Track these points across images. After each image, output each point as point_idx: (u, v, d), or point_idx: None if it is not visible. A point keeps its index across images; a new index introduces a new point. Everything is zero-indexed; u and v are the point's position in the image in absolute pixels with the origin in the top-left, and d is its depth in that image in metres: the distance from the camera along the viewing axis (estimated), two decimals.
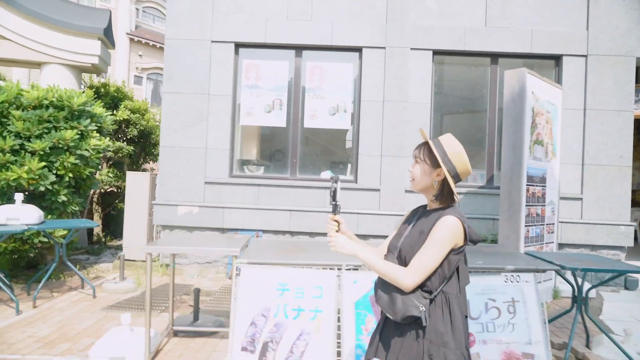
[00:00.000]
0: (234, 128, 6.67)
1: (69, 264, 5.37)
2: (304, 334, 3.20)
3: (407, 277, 1.71)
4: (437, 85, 6.68)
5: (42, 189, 5.43)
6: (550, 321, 3.79)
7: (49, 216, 5.66)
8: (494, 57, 6.61)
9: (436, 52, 6.55)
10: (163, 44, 23.51)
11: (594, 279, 6.12)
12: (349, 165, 6.73)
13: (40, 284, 5.00)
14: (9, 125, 5.46)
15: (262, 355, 3.09)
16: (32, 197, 5.57)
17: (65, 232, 5.63)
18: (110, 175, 8.31)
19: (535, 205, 5.31)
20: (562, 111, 5.96)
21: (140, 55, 22.81)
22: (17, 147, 5.42)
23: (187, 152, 6.51)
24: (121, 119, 8.27)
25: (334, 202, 1.90)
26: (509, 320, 3.37)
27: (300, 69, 6.63)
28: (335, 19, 6.51)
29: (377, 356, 1.90)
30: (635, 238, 7.27)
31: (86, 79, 8.97)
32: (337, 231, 1.90)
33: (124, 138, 8.79)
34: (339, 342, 3.16)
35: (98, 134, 6.14)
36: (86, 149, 5.77)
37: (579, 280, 3.88)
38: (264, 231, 6.47)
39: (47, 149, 5.47)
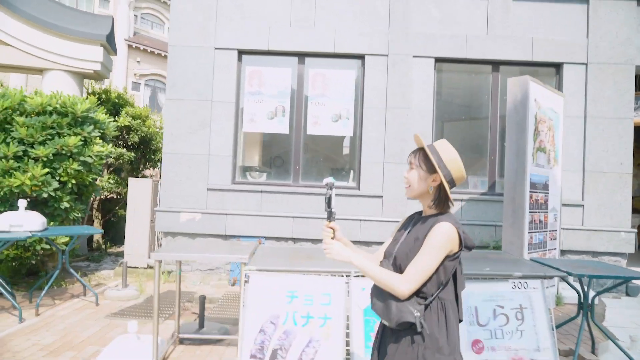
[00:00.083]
0: (237, 135, 6.68)
1: (72, 271, 5.33)
2: (313, 341, 3.19)
3: (403, 284, 1.71)
4: (439, 92, 6.72)
5: (45, 195, 5.42)
6: (556, 327, 3.80)
7: (52, 223, 5.63)
8: (495, 64, 6.67)
9: (438, 60, 6.60)
10: (161, 51, 23.40)
11: (596, 286, 6.14)
12: (352, 172, 6.74)
13: (43, 292, 4.97)
14: (12, 131, 5.45)
15: None
16: (35, 204, 5.54)
17: (67, 239, 5.60)
18: (111, 181, 8.28)
19: (538, 212, 5.33)
20: (563, 118, 6.01)
21: (138, 62, 22.82)
22: (21, 153, 5.41)
23: (190, 159, 6.51)
24: (122, 125, 8.26)
25: (329, 209, 1.90)
26: (517, 326, 3.38)
27: (303, 75, 6.66)
28: (338, 27, 6.56)
29: None
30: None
31: (87, 85, 8.95)
32: (332, 238, 1.90)
33: (125, 144, 8.78)
34: (348, 349, 3.15)
35: (101, 141, 6.13)
36: (89, 156, 5.76)
37: (585, 287, 3.89)
38: (267, 238, 6.46)
39: (51, 155, 5.46)
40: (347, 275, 3.32)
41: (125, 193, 8.65)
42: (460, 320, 1.84)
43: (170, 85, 6.58)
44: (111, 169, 8.79)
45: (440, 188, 1.83)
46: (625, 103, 6.45)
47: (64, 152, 5.54)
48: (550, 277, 3.57)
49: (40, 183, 5.33)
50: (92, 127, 5.87)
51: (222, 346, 4.10)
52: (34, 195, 5.41)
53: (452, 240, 1.74)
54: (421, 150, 1.89)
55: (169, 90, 6.59)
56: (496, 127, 6.62)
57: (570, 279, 3.89)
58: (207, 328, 4.31)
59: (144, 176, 9.60)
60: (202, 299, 4.39)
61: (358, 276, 3.33)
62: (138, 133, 8.64)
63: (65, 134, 5.65)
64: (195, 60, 6.56)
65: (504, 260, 4.06)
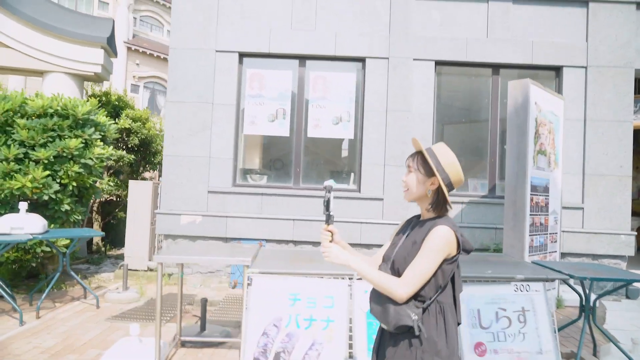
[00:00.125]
0: (238, 137, 6.68)
1: (72, 273, 5.32)
2: (316, 343, 3.19)
3: (401, 287, 1.71)
4: (440, 95, 6.74)
5: (45, 197, 5.41)
6: (557, 330, 3.80)
7: (52, 225, 5.62)
8: (495, 67, 6.70)
9: (438, 63, 6.62)
10: (160, 53, 23.40)
11: (596, 289, 6.14)
12: (352, 174, 6.75)
13: (44, 294, 4.96)
14: (13, 133, 5.44)
15: None
16: (35, 206, 5.53)
17: (68, 241, 5.59)
18: (111, 183, 8.28)
19: (539, 215, 5.35)
20: (563, 121, 6.03)
21: (137, 64, 22.81)
22: (22, 155, 5.40)
23: (190, 161, 6.51)
24: (122, 127, 8.26)
25: (327, 212, 1.90)
26: (519, 329, 3.38)
27: (304, 78, 6.68)
28: (339, 29, 6.58)
29: None
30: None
31: (87, 87, 8.95)
32: (330, 241, 1.90)
33: (124, 147, 8.77)
34: (350, 352, 3.15)
35: (102, 143, 6.13)
36: (90, 158, 5.75)
37: (587, 290, 3.90)
38: (267, 240, 6.46)
39: (51, 157, 5.45)
40: (349, 278, 3.32)
41: (125, 195, 8.65)
42: (459, 323, 1.84)
43: (171, 88, 6.58)
44: (111, 171, 8.79)
45: (438, 191, 1.83)
46: (625, 106, 6.48)
47: (64, 154, 5.54)
48: (552, 280, 3.58)
49: (41, 185, 5.32)
50: (93, 129, 5.87)
51: (224, 349, 4.10)
52: (35, 197, 5.40)
53: (450, 244, 1.74)
54: (419, 154, 1.89)
55: (169, 93, 6.59)
56: (496, 129, 6.64)
57: (572, 281, 3.90)
58: (208, 331, 4.31)
59: (143, 178, 9.59)
60: (204, 302, 4.38)
61: (360, 279, 3.33)
62: (138, 135, 8.63)
63: (66, 137, 5.65)
64: (196, 62, 6.56)
65: (506, 263, 4.07)
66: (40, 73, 7.14)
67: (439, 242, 1.72)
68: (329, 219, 1.90)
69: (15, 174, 5.28)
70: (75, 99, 5.93)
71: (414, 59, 6.54)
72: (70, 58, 6.95)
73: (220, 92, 6.56)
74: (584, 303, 3.91)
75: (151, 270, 6.75)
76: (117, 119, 8.37)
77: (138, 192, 6.88)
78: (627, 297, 6.40)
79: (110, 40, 7.34)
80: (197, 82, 6.55)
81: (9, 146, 5.38)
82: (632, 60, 6.50)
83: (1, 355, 3.80)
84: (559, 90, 6.59)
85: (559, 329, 4.03)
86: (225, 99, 6.56)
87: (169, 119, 6.58)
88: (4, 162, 5.29)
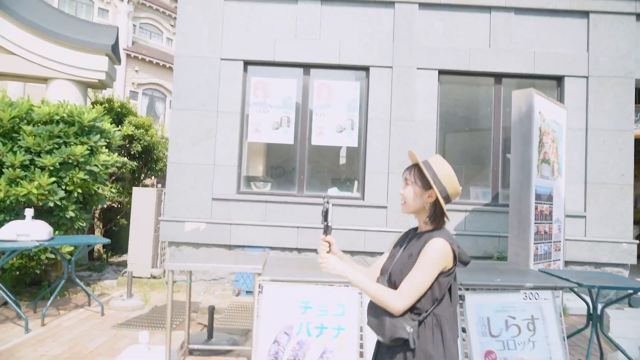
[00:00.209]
0: (242, 145, 6.70)
1: (77, 280, 5.30)
2: (327, 351, 3.19)
3: (397, 300, 1.71)
4: (443, 104, 6.79)
5: (51, 204, 5.40)
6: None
7: (57, 232, 5.60)
8: (498, 77, 6.77)
9: (442, 72, 6.68)
10: (159, 60, 23.45)
11: (599, 297, 6.16)
12: (356, 182, 6.77)
13: (49, 301, 4.93)
14: (19, 140, 5.44)
15: None
16: (40, 213, 5.52)
17: (72, 248, 5.57)
18: (113, 190, 8.26)
19: (543, 223, 5.38)
20: (566, 130, 6.09)
21: (136, 71, 22.86)
22: (27, 162, 5.40)
23: (195, 169, 6.52)
24: (125, 134, 8.26)
25: (325, 223, 1.90)
26: (529, 337, 3.40)
27: (308, 86, 6.72)
28: (343, 39, 6.63)
29: None
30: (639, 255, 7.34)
31: (90, 94, 8.96)
32: (328, 252, 1.91)
33: (127, 153, 8.77)
34: None
35: (107, 150, 6.14)
36: (95, 165, 5.76)
37: (594, 298, 3.93)
38: (272, 248, 6.46)
39: (57, 164, 5.45)
40: None
41: (127, 202, 8.64)
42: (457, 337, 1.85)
43: (176, 95, 6.61)
44: (113, 177, 8.78)
45: (436, 204, 1.84)
46: (626, 116, 6.55)
47: (70, 161, 5.54)
48: (562, 288, 3.60)
49: (46, 192, 5.32)
50: (98, 136, 5.88)
51: (232, 357, 4.08)
52: (40, 204, 5.39)
53: (446, 257, 1.75)
54: (416, 167, 1.91)
55: (174, 100, 6.62)
56: (499, 138, 6.69)
57: (579, 290, 3.92)
58: (216, 339, 4.30)
59: (144, 185, 9.58)
60: (211, 310, 4.37)
61: None
62: (141, 142, 8.64)
63: (72, 143, 5.65)
64: (200, 70, 6.60)
65: (513, 271, 4.09)
66: (44, 80, 7.15)
67: (435, 255, 1.73)
68: (327, 230, 1.91)
69: (21, 181, 5.28)
70: (81, 106, 5.94)
71: (418, 68, 6.60)
72: (75, 65, 6.97)
73: (225, 99, 6.59)
74: (591, 311, 3.93)
75: (154, 277, 6.73)
76: (120, 126, 8.38)
77: (142, 199, 6.87)
78: (630, 305, 6.42)
79: (115, 48, 7.37)
80: (202, 89, 6.58)
81: (15, 153, 5.38)
82: (632, 70, 6.59)
83: None
84: (560, 99, 6.66)
85: (568, 337, 4.05)
86: (229, 106, 6.59)
87: (173, 127, 6.59)
88: (10, 169, 5.28)
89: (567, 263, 6.36)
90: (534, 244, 5.16)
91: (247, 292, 6.33)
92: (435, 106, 6.61)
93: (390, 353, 1.80)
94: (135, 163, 8.60)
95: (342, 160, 7.08)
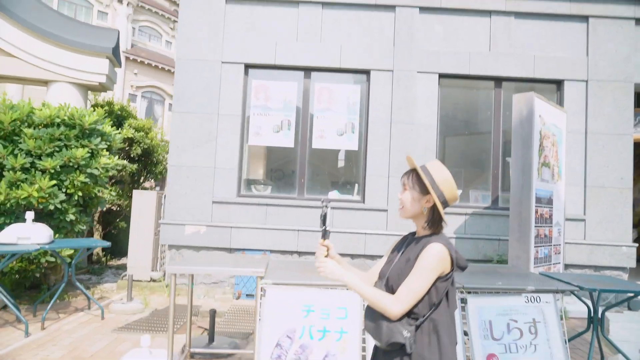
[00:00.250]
0: (242, 148, 6.71)
1: (78, 284, 5.29)
2: (329, 355, 3.19)
3: (394, 304, 1.72)
4: (443, 107, 6.81)
5: (51, 207, 5.39)
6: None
7: (57, 235, 5.59)
8: (498, 80, 6.79)
9: (442, 76, 6.71)
10: (158, 63, 23.48)
11: (599, 300, 6.18)
12: (356, 185, 6.78)
13: (50, 305, 4.92)
14: (20, 143, 5.43)
15: None
16: (40, 216, 5.50)
17: (72, 251, 5.55)
18: (113, 193, 8.25)
19: (544, 226, 5.39)
20: (566, 134, 6.11)
21: (135, 74, 22.87)
22: (28, 165, 5.39)
23: (195, 172, 6.52)
24: (125, 137, 8.26)
25: (323, 227, 1.90)
26: (531, 340, 3.40)
27: (309, 90, 6.74)
28: (344, 42, 6.66)
29: None
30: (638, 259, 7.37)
31: (90, 97, 8.96)
32: (326, 256, 1.91)
33: (127, 156, 8.77)
34: None
35: (107, 153, 6.14)
36: (96, 168, 5.75)
37: (595, 302, 3.93)
38: (272, 251, 6.45)
39: (58, 167, 5.44)
40: None
41: (126, 205, 8.62)
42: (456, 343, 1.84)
43: (177, 98, 6.61)
44: (112, 180, 8.77)
45: (433, 209, 1.84)
46: (625, 120, 6.58)
47: (71, 164, 5.53)
48: (563, 292, 3.61)
49: (47, 195, 5.30)
50: (99, 139, 5.88)
51: None
52: (40, 207, 5.38)
53: (444, 262, 1.75)
54: (414, 172, 1.91)
55: (175, 103, 6.62)
56: (498, 141, 6.72)
57: (579, 293, 3.92)
58: (217, 342, 4.29)
59: (143, 188, 9.57)
60: (213, 313, 4.37)
61: None
62: (141, 145, 8.63)
63: (73, 146, 5.65)
64: (201, 73, 6.61)
65: (514, 275, 4.10)
66: (44, 82, 7.14)
67: (432, 260, 1.73)
68: (325, 234, 1.91)
69: (21, 184, 5.27)
70: (82, 109, 5.94)
71: (418, 72, 6.62)
72: (76, 68, 6.97)
73: (226, 102, 6.60)
74: (592, 315, 3.93)
75: (154, 280, 6.71)
76: (120, 129, 8.38)
77: (142, 201, 6.86)
78: (629, 308, 6.43)
79: (115, 51, 7.37)
80: (203, 92, 6.59)
81: (15, 155, 5.37)
82: (631, 74, 6.62)
83: None
84: (560, 103, 6.69)
85: (570, 340, 4.05)
86: (230, 109, 6.60)
87: (174, 129, 6.60)
88: (10, 172, 5.27)
89: (566, 266, 6.37)
90: (534, 247, 5.17)
91: (247, 295, 6.32)
92: (435, 110, 6.63)
93: (387, 358, 1.79)
94: (135, 166, 8.60)
95: (343, 164, 7.09)
